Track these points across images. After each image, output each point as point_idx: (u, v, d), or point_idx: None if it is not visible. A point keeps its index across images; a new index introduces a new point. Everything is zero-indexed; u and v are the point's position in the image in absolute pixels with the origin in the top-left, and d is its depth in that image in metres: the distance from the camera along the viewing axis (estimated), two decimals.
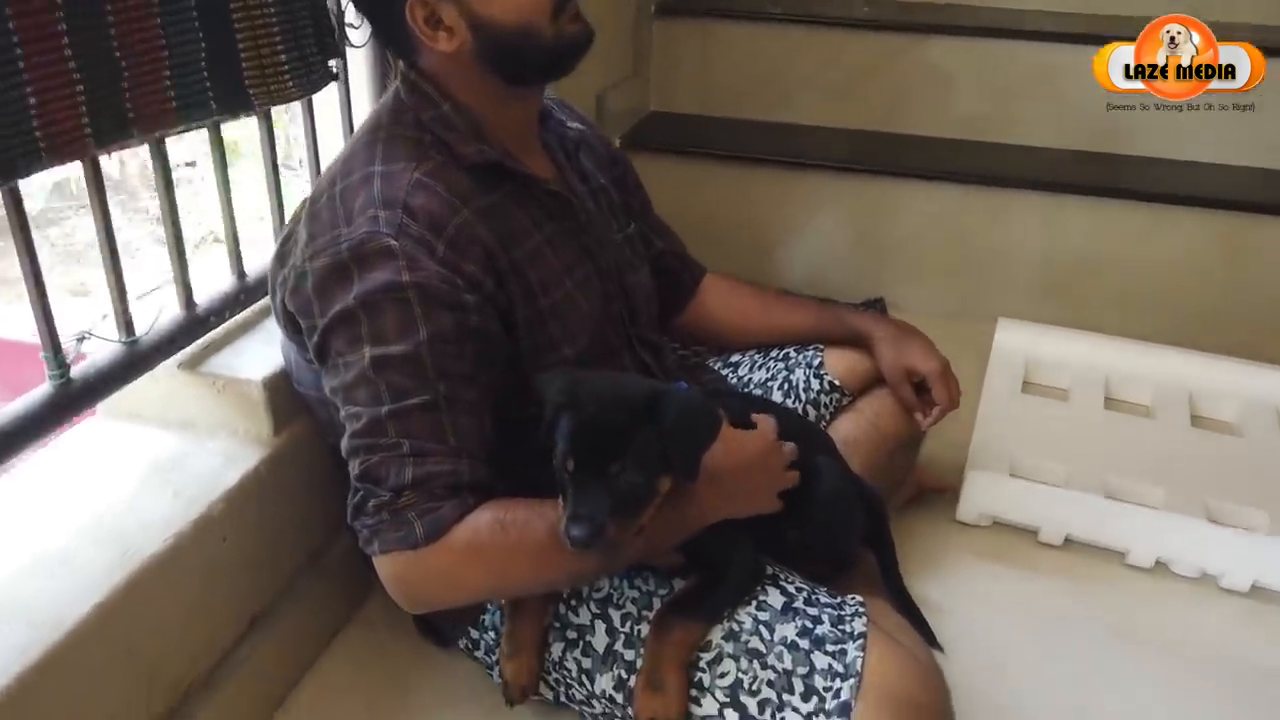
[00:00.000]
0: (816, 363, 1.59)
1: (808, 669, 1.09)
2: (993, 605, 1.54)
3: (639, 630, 1.16)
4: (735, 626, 1.13)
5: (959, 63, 2.45)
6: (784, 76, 2.59)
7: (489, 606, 1.30)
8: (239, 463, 1.25)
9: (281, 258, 1.17)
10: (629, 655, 1.16)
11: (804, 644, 1.11)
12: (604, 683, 1.17)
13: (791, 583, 1.20)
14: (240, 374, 1.28)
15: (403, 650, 1.45)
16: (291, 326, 1.16)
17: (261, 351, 1.34)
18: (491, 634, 1.29)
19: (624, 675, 1.16)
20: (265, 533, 1.29)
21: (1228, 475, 1.77)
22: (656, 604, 1.17)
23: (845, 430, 1.56)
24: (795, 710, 1.07)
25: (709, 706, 1.10)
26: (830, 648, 1.11)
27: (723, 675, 1.10)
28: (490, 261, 1.13)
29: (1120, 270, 2.32)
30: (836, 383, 1.58)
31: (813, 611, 1.15)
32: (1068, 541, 1.67)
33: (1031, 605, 1.55)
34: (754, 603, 1.16)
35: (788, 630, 1.13)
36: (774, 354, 1.62)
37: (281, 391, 1.29)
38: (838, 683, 1.08)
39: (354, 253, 1.06)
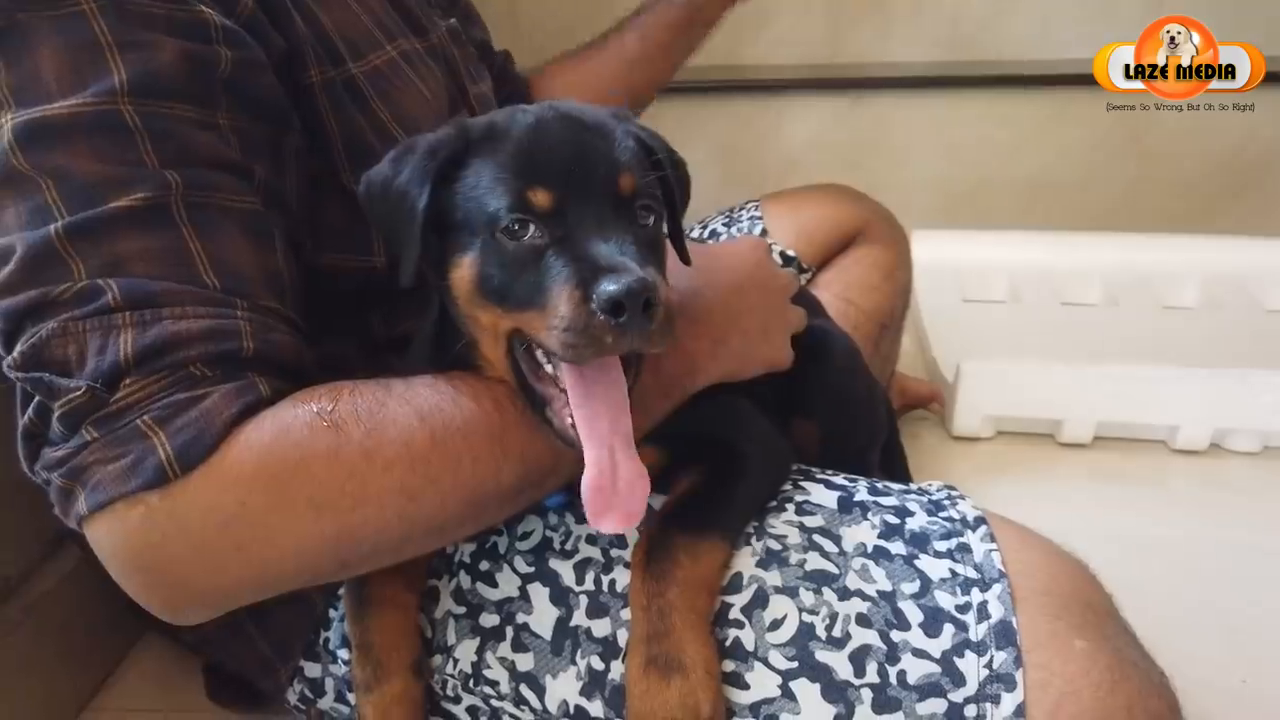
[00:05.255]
0: (757, 231, 1.16)
1: (918, 584, 0.63)
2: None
3: (612, 583, 0.66)
4: (774, 544, 0.65)
5: None
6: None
7: (330, 610, 0.75)
8: None
9: None
10: (601, 629, 0.65)
11: (896, 548, 0.65)
12: (562, 686, 0.65)
13: (831, 473, 0.75)
14: None
15: None
16: None
17: None
18: (344, 655, 0.74)
19: (597, 665, 0.65)
20: None
21: (1231, 348, 1.47)
22: (632, 538, 0.67)
23: None
24: (920, 654, 0.60)
25: (763, 681, 0.60)
26: (940, 545, 0.66)
27: (775, 624, 0.62)
28: None
29: (1022, 164, 2.05)
30: (790, 254, 1.16)
31: (889, 501, 0.70)
32: (1096, 439, 1.30)
33: (1075, 519, 1.14)
34: (790, 505, 0.69)
35: (861, 533, 0.66)
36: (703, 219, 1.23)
37: None
38: (976, 594, 0.62)
39: None
